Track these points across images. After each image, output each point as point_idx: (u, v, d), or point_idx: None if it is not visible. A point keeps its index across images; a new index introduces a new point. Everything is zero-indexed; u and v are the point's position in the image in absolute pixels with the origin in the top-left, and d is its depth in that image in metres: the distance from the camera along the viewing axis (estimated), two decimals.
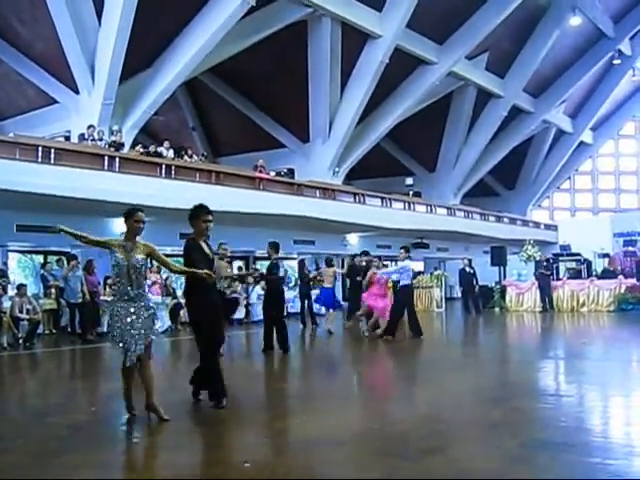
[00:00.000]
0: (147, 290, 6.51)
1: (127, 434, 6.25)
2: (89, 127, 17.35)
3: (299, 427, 6.13)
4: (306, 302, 18.14)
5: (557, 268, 24.65)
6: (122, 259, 6.14)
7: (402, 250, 14.27)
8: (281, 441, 5.89)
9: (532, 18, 28.02)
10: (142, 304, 6.26)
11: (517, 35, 28.50)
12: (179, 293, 18.49)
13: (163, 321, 16.71)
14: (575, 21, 28.61)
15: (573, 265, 24.52)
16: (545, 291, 21.57)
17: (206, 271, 6.48)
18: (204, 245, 7.07)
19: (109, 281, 14.85)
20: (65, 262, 15.17)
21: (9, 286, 15.06)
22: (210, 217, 7.04)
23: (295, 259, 23.34)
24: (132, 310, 6.18)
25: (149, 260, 6.49)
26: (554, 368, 10.39)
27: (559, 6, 27.80)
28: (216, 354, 7.12)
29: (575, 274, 23.45)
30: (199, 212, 7.02)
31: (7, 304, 14.09)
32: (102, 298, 15.69)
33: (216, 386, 6.86)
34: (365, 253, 16.65)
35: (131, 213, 6.31)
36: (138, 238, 6.35)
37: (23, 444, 5.66)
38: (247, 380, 9.68)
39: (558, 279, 23.04)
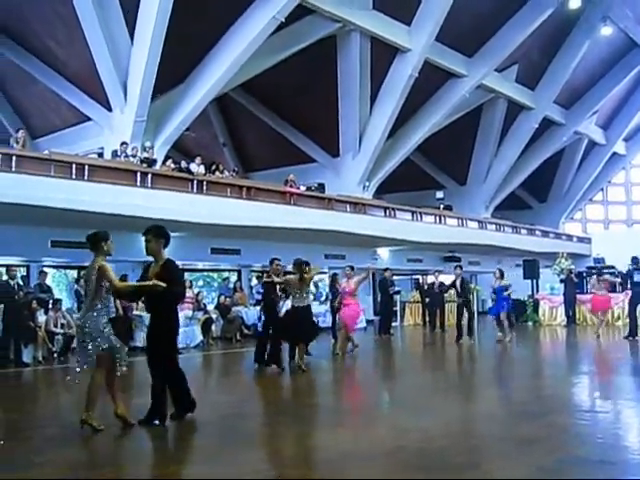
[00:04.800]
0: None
1: (159, 448, 6.27)
2: (122, 144, 17.55)
3: (332, 442, 6.10)
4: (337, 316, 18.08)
5: None
6: None
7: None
8: (314, 456, 5.86)
9: (562, 29, 27.80)
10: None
11: (547, 46, 28.31)
12: (210, 308, 18.62)
13: (195, 336, 16.81)
14: (606, 31, 28.27)
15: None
16: (570, 303, 21.36)
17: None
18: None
19: None
20: None
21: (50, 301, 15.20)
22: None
23: (326, 273, 23.34)
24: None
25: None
26: (589, 383, 10.24)
27: (590, 16, 27.55)
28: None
29: (609, 287, 23.07)
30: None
31: (42, 319, 14.28)
32: (135, 313, 15.83)
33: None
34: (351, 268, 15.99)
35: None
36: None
37: (57, 457, 5.71)
38: (279, 394, 9.68)
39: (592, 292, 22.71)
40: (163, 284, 6.68)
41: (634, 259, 16.86)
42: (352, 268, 15.04)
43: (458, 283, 17.02)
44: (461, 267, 17.59)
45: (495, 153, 30.52)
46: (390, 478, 5.02)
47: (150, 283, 6.73)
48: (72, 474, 5.25)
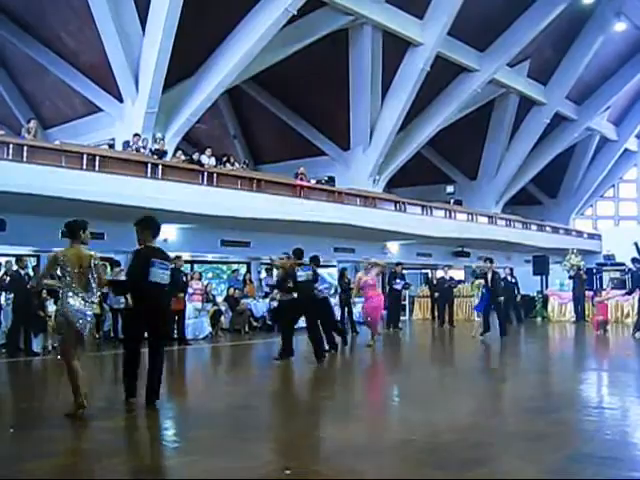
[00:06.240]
0: None
1: (168, 438, 6.30)
2: (135, 135, 17.56)
3: (339, 435, 6.11)
4: (346, 310, 18.16)
5: (601, 278, 24.20)
6: None
7: None
8: (321, 449, 5.88)
9: (575, 24, 27.66)
10: None
11: (560, 42, 28.16)
12: (219, 300, 18.67)
13: (204, 327, 16.87)
14: (620, 27, 28.11)
15: (617, 275, 24.04)
16: (580, 300, 21.32)
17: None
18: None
19: None
20: (109, 268, 15.38)
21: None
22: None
23: (335, 267, 23.35)
24: None
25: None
26: (597, 380, 10.22)
27: (603, 12, 27.40)
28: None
29: (619, 284, 22.99)
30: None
31: (52, 308, 14.33)
32: None
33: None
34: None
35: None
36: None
37: (69, 447, 5.76)
38: (287, 387, 9.71)
39: (602, 289, 22.66)
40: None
41: (634, 260, 16.94)
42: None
43: (489, 277, 16.33)
44: (492, 260, 16.74)
45: (506, 148, 30.42)
46: (398, 472, 5.03)
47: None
48: (83, 463, 5.30)
